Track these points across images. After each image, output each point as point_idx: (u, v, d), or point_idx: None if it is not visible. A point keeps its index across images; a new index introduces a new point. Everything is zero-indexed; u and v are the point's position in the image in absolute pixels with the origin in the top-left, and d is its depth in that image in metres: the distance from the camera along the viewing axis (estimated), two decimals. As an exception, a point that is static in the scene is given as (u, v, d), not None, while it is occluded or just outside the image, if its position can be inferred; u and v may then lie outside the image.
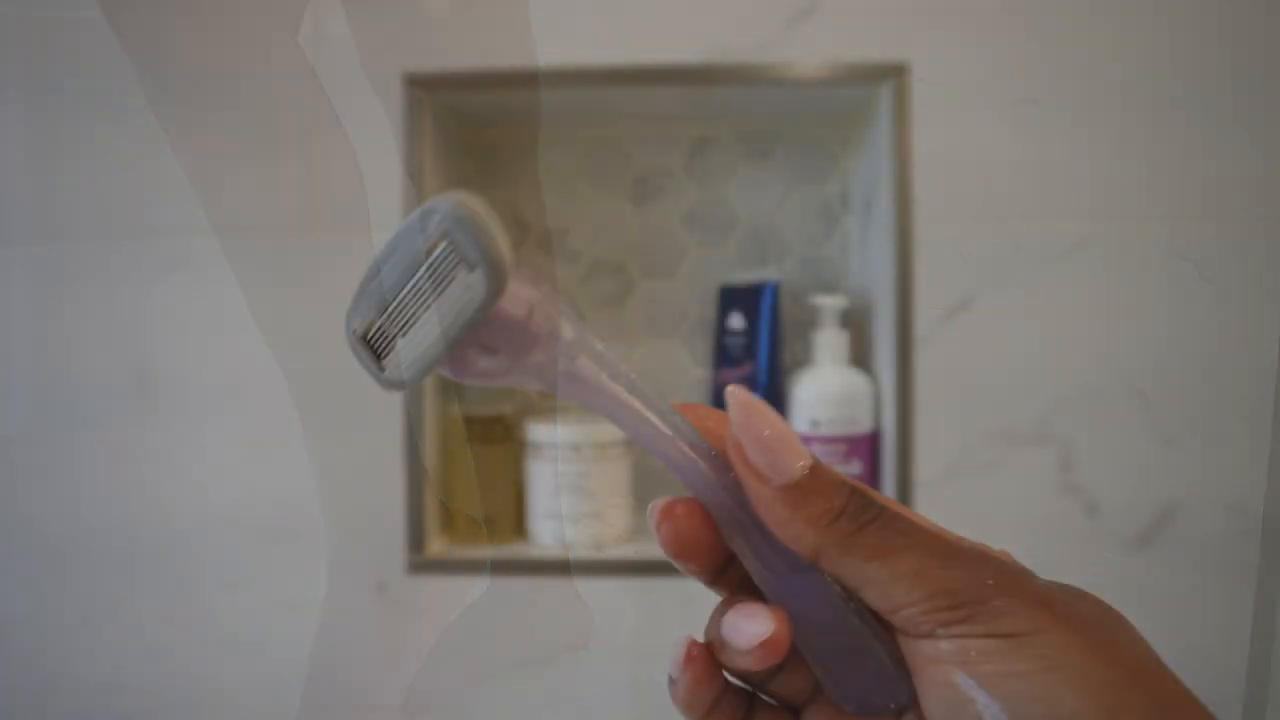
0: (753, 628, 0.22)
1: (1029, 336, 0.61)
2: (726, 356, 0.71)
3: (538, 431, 0.64)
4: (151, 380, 0.65)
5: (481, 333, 0.19)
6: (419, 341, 0.19)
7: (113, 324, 0.66)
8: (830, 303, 0.66)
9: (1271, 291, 0.60)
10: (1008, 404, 0.61)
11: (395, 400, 0.62)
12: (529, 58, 0.61)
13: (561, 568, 0.62)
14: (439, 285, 0.19)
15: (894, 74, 0.60)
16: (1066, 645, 0.20)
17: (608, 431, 0.63)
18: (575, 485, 0.62)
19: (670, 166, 0.74)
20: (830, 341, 0.65)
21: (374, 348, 0.20)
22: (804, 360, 0.70)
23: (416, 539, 0.63)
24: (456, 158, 0.72)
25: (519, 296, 0.20)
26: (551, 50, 0.61)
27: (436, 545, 0.65)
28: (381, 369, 0.20)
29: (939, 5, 0.60)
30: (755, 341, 0.68)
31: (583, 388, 0.21)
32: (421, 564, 0.63)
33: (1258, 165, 0.60)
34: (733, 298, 0.70)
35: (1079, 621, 0.20)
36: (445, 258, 0.19)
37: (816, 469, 0.21)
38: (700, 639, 0.23)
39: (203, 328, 0.65)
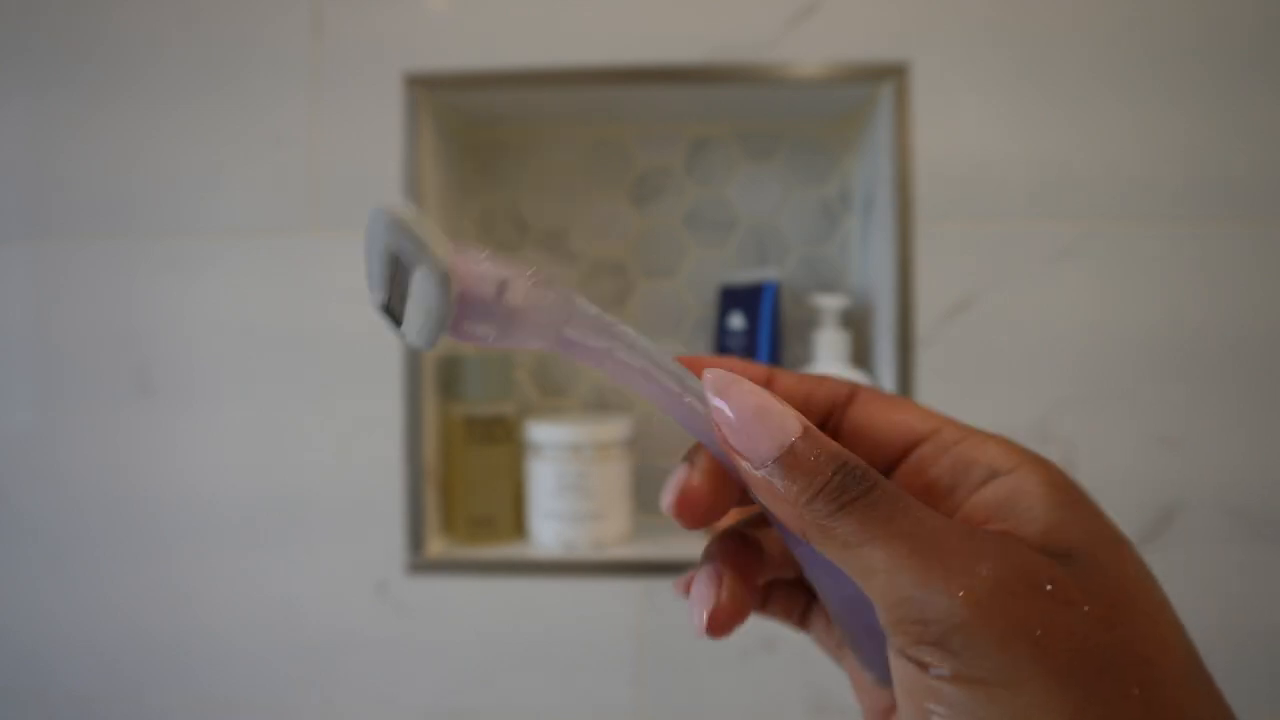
0: (699, 606, 0.20)
1: (1029, 336, 0.61)
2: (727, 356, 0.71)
3: (538, 432, 0.63)
4: (150, 379, 0.65)
5: (461, 314, 0.20)
6: (420, 310, 0.20)
7: (112, 322, 0.66)
8: (830, 303, 0.66)
9: (1272, 289, 0.60)
10: (1008, 404, 0.61)
11: (395, 400, 0.62)
12: (529, 58, 0.61)
13: (561, 568, 0.62)
14: (407, 281, 0.20)
15: (894, 74, 0.60)
16: (1044, 706, 0.15)
17: (608, 432, 0.63)
18: (575, 485, 0.62)
19: (670, 166, 0.74)
20: (830, 341, 0.65)
21: (393, 315, 0.21)
22: (804, 360, 0.70)
23: (416, 539, 0.63)
24: (456, 158, 0.72)
25: (483, 276, 0.20)
26: (551, 50, 0.61)
27: (436, 545, 0.65)
28: (403, 333, 0.21)
29: (939, 5, 0.60)
30: (755, 341, 0.68)
31: (583, 351, 0.21)
32: (421, 564, 0.63)
33: (1256, 163, 0.60)
34: (733, 298, 0.70)
35: (1079, 667, 0.15)
36: (401, 259, 0.20)
37: (800, 445, 0.18)
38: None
39: (203, 327, 0.65)
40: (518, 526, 0.67)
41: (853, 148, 0.72)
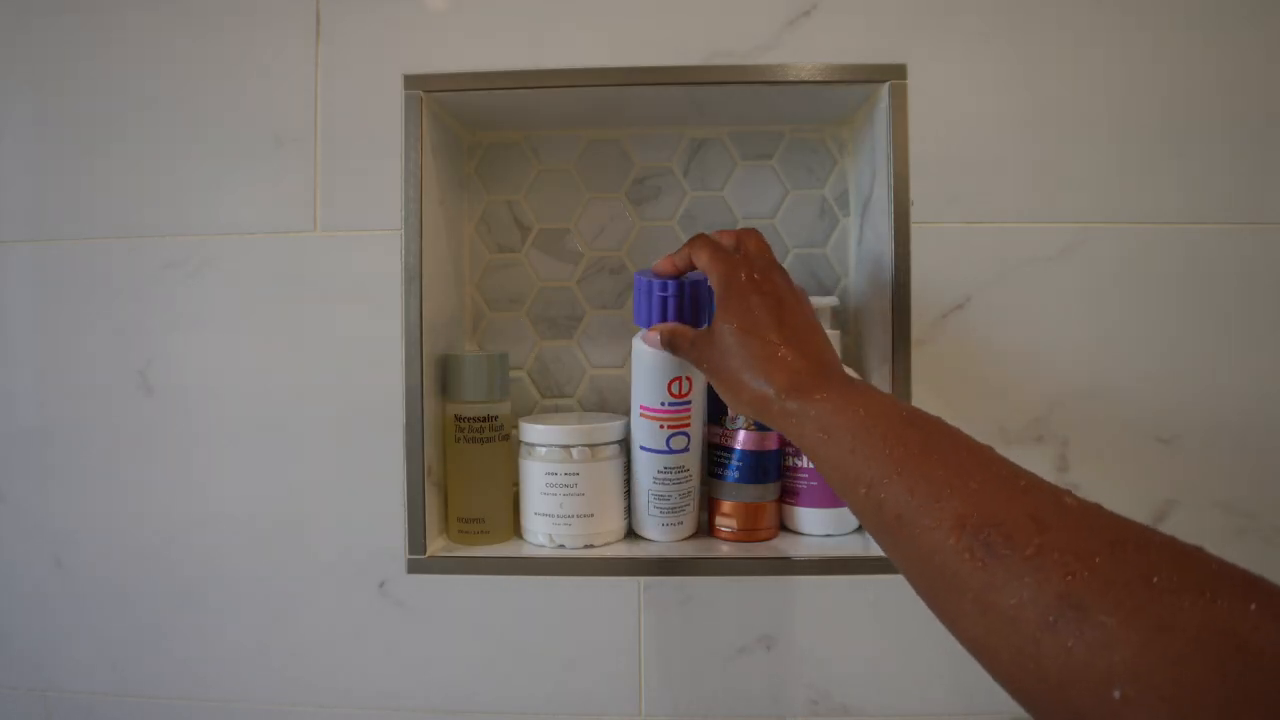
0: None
1: (1025, 336, 0.61)
2: (725, 356, 0.71)
3: (530, 431, 0.64)
4: (152, 381, 0.65)
5: None
6: None
7: (113, 323, 0.66)
8: (827, 302, 0.66)
9: (1269, 290, 0.61)
10: (1004, 403, 0.61)
11: (396, 400, 0.63)
12: (529, 59, 0.62)
13: (560, 567, 0.63)
14: None
15: (892, 75, 0.60)
16: (737, 331, 0.46)
17: (600, 432, 0.63)
18: (568, 485, 0.62)
19: (669, 167, 0.74)
20: (828, 341, 0.65)
21: None
22: (802, 360, 0.70)
23: (416, 539, 0.63)
24: (456, 158, 0.72)
25: None
26: (551, 50, 0.62)
27: (436, 545, 0.65)
28: None
29: (937, 7, 0.61)
30: (754, 341, 0.68)
31: None
32: (421, 564, 0.63)
33: (1255, 166, 0.61)
34: (731, 298, 0.71)
35: (751, 320, 0.46)
36: None
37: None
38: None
39: (204, 327, 0.65)
40: (513, 526, 0.67)
41: (849, 148, 0.72)
